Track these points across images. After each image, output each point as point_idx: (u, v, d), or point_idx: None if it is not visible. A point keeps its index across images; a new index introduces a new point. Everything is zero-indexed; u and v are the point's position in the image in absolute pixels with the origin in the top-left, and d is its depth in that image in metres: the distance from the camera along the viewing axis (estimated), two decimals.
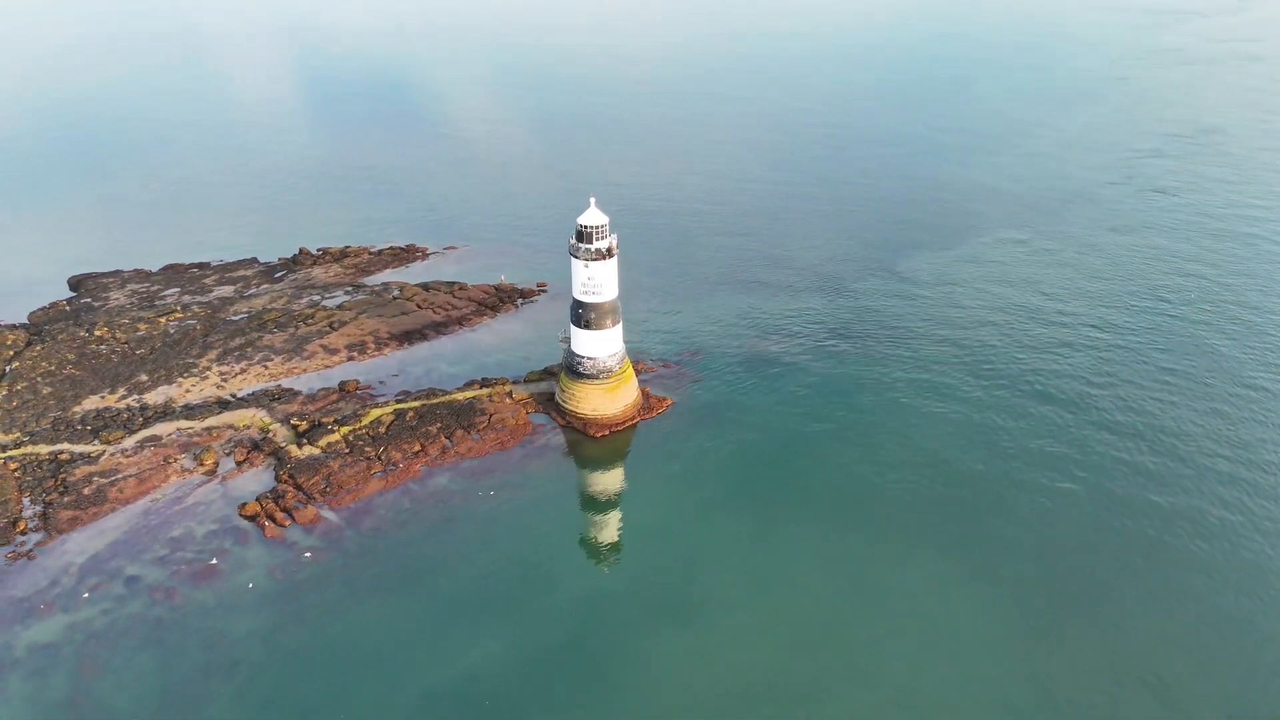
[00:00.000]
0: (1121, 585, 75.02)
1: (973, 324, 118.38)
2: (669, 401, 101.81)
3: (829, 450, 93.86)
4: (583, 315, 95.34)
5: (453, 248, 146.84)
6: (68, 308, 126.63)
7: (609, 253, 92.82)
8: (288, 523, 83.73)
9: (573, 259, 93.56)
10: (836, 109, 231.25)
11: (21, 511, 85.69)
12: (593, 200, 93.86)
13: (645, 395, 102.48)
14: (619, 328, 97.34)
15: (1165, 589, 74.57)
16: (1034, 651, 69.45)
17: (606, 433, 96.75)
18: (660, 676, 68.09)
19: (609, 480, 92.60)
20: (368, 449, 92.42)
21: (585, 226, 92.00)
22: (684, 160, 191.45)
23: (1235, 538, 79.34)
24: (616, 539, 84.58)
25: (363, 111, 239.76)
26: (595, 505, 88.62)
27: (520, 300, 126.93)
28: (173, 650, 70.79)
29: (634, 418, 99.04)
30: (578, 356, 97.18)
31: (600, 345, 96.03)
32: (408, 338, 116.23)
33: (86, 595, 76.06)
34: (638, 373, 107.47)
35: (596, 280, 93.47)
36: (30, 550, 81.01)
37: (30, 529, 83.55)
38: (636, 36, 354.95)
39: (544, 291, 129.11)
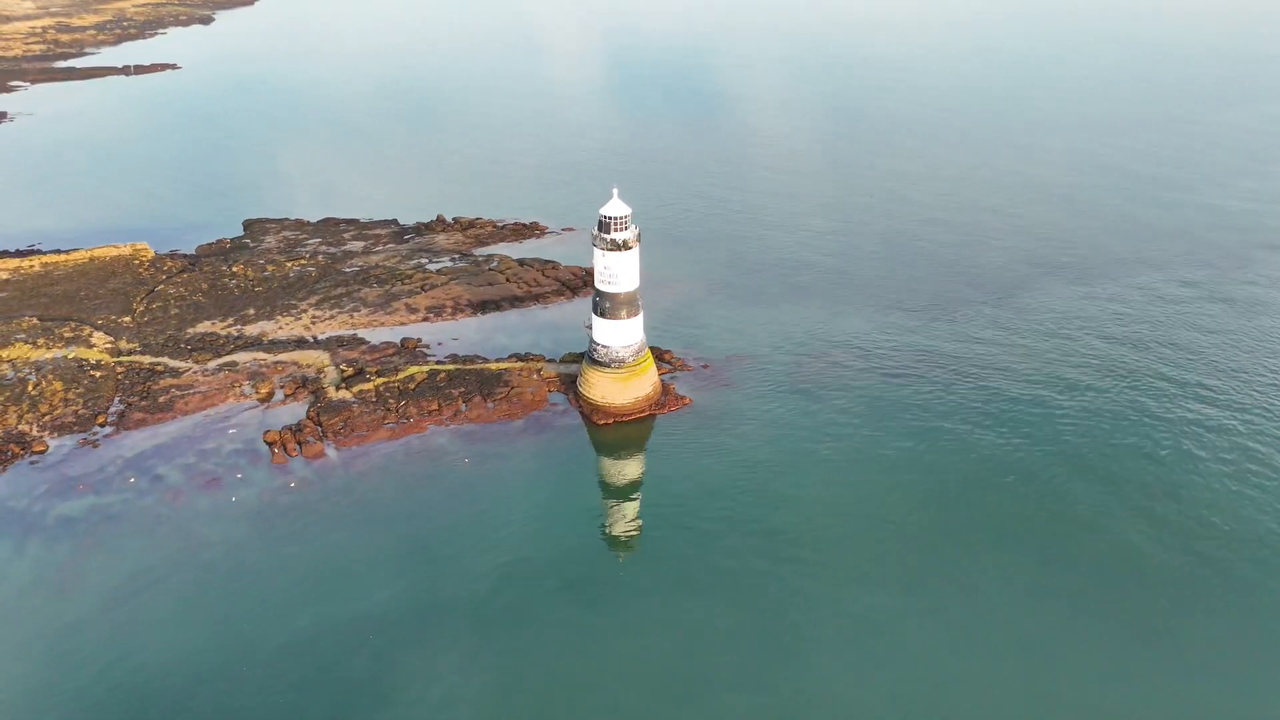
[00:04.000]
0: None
1: (1074, 376, 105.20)
2: (687, 401, 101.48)
3: (830, 474, 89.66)
4: (599, 304, 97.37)
5: (570, 229, 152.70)
6: (228, 245, 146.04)
7: (625, 245, 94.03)
8: (295, 453, 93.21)
9: (593, 247, 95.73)
10: (1040, 133, 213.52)
11: (108, 408, 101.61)
12: (615, 191, 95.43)
13: (666, 391, 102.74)
14: (636, 321, 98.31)
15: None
16: (959, 695, 65.03)
17: (611, 421, 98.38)
18: (547, 646, 69.87)
19: (589, 466, 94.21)
20: (391, 400, 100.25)
21: (605, 217, 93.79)
22: (825, 176, 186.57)
23: None
24: (567, 518, 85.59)
25: (609, 96, 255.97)
26: (562, 485, 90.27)
27: None
28: (155, 542, 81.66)
29: (645, 411, 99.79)
30: (594, 343, 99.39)
31: (614, 335, 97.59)
32: (483, 307, 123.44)
33: (120, 484, 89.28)
34: (674, 368, 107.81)
35: (612, 270, 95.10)
36: (98, 440, 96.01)
37: (108, 423, 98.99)
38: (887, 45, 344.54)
39: None
